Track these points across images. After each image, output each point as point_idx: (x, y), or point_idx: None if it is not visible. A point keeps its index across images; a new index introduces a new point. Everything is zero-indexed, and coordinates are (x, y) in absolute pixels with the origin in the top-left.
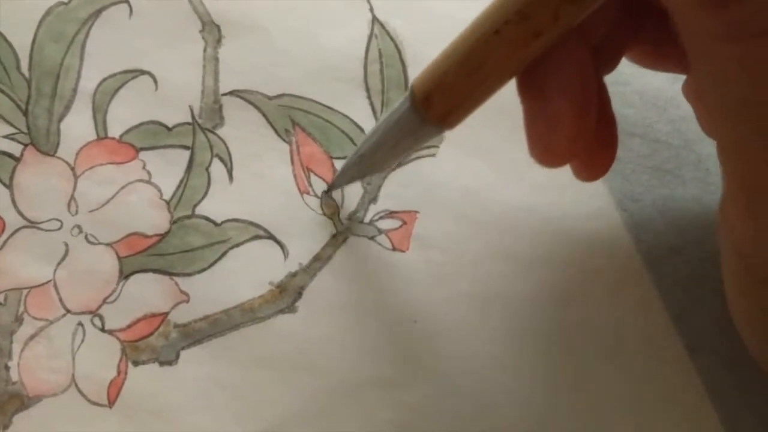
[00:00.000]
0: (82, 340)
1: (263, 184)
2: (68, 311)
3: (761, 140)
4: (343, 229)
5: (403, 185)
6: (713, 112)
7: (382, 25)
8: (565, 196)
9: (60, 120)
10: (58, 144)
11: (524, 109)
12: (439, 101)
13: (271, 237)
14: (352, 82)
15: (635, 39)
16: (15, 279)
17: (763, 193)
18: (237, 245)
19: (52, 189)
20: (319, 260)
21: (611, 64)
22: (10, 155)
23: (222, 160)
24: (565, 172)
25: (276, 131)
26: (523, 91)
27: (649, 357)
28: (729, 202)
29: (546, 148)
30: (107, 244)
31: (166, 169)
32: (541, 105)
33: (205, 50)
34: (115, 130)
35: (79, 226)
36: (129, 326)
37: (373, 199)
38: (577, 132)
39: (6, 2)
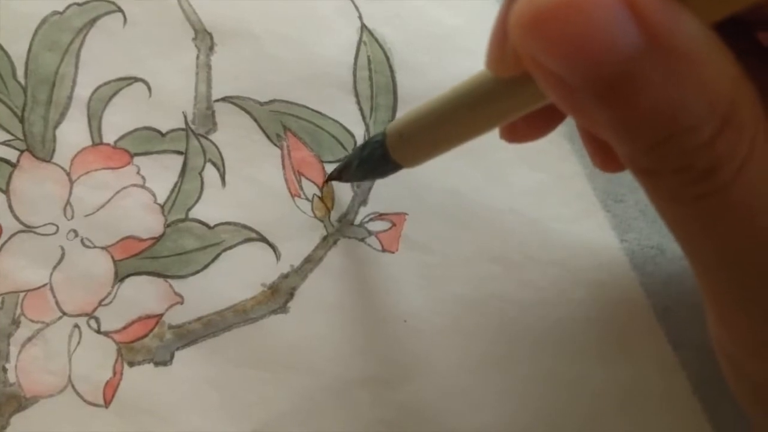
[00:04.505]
0: (78, 342)
1: (255, 188)
2: (64, 314)
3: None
4: (334, 231)
5: (392, 188)
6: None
7: (370, 33)
8: (550, 198)
9: (55, 127)
10: (53, 150)
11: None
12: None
13: (263, 239)
14: (341, 88)
15: None
16: (12, 282)
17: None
18: (230, 248)
19: (48, 194)
20: (311, 262)
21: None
22: (7, 161)
23: (215, 164)
24: (550, 173)
25: (268, 136)
26: None
27: (635, 352)
28: (709, 313)
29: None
30: (102, 248)
31: (160, 173)
32: None
33: (197, 57)
34: (109, 136)
35: (74, 231)
36: (124, 328)
37: (363, 202)
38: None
39: (2, 12)
